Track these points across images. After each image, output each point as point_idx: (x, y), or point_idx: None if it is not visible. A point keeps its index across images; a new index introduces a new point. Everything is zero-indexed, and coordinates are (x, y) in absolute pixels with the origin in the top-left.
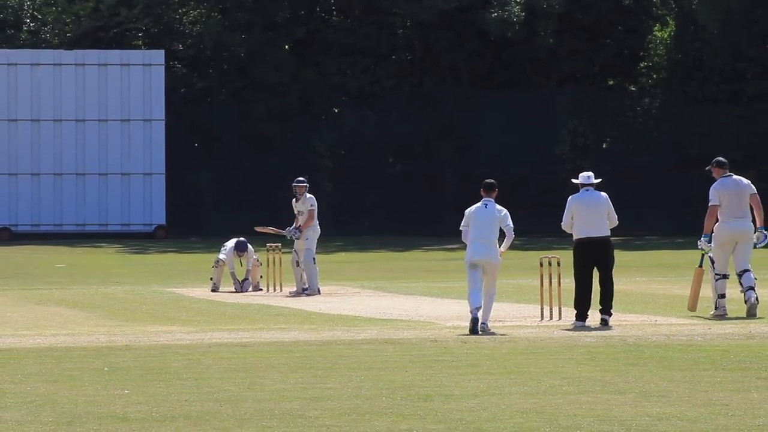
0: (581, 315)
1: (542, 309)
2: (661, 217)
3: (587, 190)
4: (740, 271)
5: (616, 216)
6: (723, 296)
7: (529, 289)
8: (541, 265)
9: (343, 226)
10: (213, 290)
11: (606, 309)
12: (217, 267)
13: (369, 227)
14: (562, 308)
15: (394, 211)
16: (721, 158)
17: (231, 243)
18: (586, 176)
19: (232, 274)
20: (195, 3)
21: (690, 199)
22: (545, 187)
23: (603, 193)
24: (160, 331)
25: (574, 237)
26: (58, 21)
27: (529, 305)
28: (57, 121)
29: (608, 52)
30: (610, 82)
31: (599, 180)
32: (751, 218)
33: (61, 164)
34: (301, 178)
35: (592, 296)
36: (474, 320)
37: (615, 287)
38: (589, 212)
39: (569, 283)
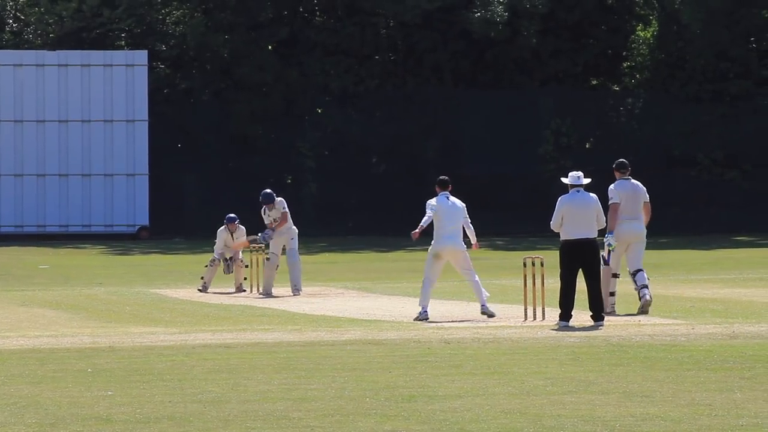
0: (565, 315)
1: (526, 309)
2: None
3: (577, 191)
4: (633, 271)
5: (605, 218)
6: (613, 294)
7: (512, 290)
8: (525, 265)
9: (327, 226)
10: (200, 290)
11: (597, 315)
12: (211, 266)
13: (353, 227)
14: (546, 308)
15: (378, 212)
16: (623, 160)
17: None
18: (575, 176)
19: (221, 255)
20: (178, 3)
21: (673, 199)
22: (529, 187)
23: (593, 195)
24: (144, 333)
25: (562, 237)
26: (41, 22)
27: (513, 305)
28: (40, 122)
29: (591, 51)
30: (594, 82)
31: (589, 180)
32: (642, 221)
33: (44, 165)
34: (268, 191)
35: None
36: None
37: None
38: (579, 214)
39: (553, 283)
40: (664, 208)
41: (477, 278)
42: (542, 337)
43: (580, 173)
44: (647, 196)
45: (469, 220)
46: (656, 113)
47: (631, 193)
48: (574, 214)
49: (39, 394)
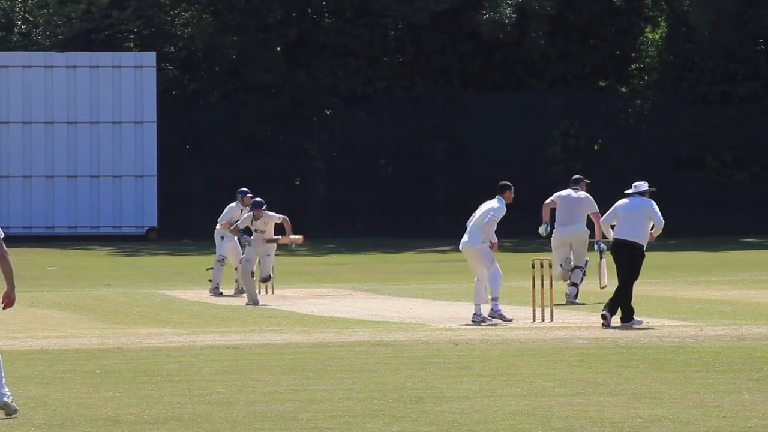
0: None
1: (534, 311)
2: None
3: (635, 197)
4: (573, 267)
5: (661, 218)
6: (575, 285)
7: (521, 291)
8: (533, 266)
9: (335, 228)
10: (213, 290)
11: (611, 309)
12: (221, 266)
13: (361, 229)
14: (554, 310)
15: (387, 213)
16: (575, 176)
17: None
18: (637, 185)
19: (227, 225)
20: (186, 5)
21: (682, 201)
22: (537, 189)
23: (651, 201)
24: (152, 334)
25: (612, 236)
26: (50, 23)
27: (521, 307)
28: (48, 124)
29: (600, 53)
30: (602, 84)
31: (652, 189)
32: (582, 224)
33: (53, 166)
34: (259, 199)
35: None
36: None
37: (608, 289)
38: (628, 215)
39: (560, 285)
40: (672, 210)
41: (482, 284)
42: (550, 339)
43: (643, 183)
44: (595, 208)
45: (486, 221)
46: (664, 115)
47: (569, 202)
48: (624, 215)
49: (47, 395)
